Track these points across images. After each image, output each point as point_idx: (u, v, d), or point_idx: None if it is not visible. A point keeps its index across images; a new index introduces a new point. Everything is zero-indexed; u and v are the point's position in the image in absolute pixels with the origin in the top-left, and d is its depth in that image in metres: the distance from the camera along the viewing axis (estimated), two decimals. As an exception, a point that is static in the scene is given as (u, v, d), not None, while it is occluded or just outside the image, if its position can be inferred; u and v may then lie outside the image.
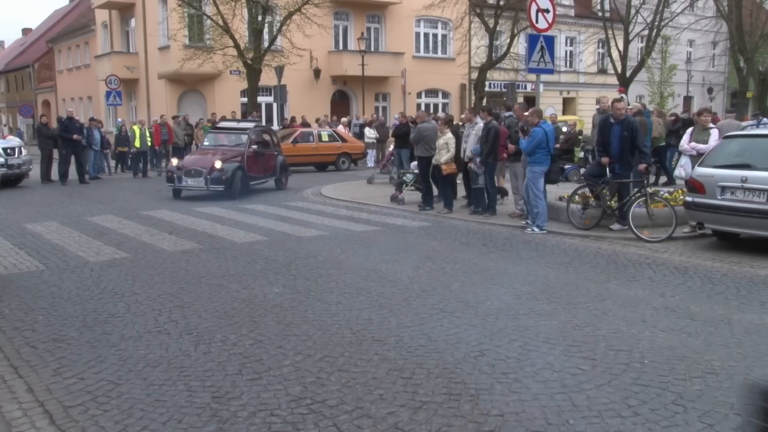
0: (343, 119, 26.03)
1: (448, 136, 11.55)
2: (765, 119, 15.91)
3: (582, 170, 14.39)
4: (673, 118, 16.98)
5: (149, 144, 20.82)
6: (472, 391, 4.15)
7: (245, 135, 15.33)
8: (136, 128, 20.78)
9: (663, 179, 15.31)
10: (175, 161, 15.07)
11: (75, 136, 17.88)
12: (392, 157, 16.66)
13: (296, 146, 21.07)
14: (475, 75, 27.94)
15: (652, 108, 19.61)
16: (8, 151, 16.86)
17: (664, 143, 15.40)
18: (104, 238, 9.56)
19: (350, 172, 21.25)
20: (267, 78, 24.34)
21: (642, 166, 9.51)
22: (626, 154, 9.54)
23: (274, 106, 27.13)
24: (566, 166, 15.65)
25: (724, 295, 6.34)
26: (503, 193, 12.51)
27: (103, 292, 6.58)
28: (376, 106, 32.36)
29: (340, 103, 31.80)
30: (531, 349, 4.87)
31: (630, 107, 13.04)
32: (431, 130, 12.06)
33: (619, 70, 28.18)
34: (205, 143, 15.91)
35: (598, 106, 14.24)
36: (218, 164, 14.04)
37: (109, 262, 7.94)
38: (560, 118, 22.55)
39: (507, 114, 12.33)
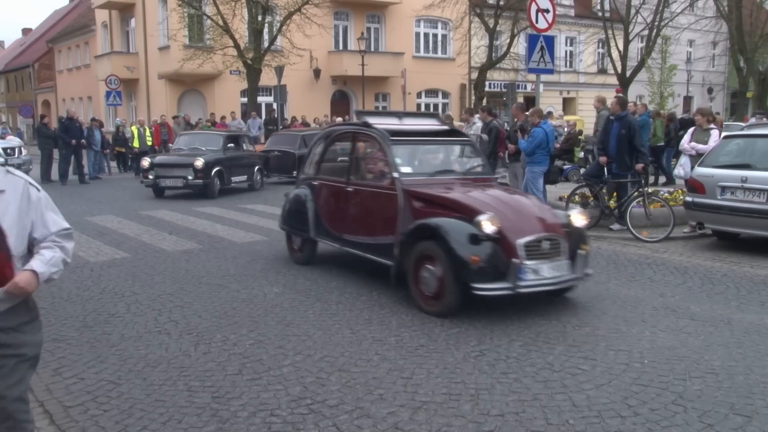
0: (338, 120, 25.95)
1: None
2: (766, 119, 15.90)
3: (582, 170, 14.39)
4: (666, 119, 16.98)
5: (149, 144, 20.81)
6: (472, 391, 4.15)
7: None
8: (134, 129, 20.78)
9: (662, 179, 15.30)
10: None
11: (73, 142, 17.86)
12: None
13: None
14: (475, 75, 27.96)
15: (652, 108, 19.59)
16: (8, 151, 16.87)
17: (662, 143, 15.39)
18: (104, 238, 9.56)
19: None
20: (267, 78, 24.34)
21: (639, 166, 9.51)
22: (624, 153, 9.49)
23: (274, 106, 27.15)
24: (566, 166, 15.66)
25: (724, 295, 6.34)
26: None
27: (103, 292, 6.58)
28: (376, 106, 32.32)
29: (340, 103, 31.79)
30: (531, 349, 4.87)
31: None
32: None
33: (619, 70, 28.17)
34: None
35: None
36: None
37: (109, 262, 7.94)
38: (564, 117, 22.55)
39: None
